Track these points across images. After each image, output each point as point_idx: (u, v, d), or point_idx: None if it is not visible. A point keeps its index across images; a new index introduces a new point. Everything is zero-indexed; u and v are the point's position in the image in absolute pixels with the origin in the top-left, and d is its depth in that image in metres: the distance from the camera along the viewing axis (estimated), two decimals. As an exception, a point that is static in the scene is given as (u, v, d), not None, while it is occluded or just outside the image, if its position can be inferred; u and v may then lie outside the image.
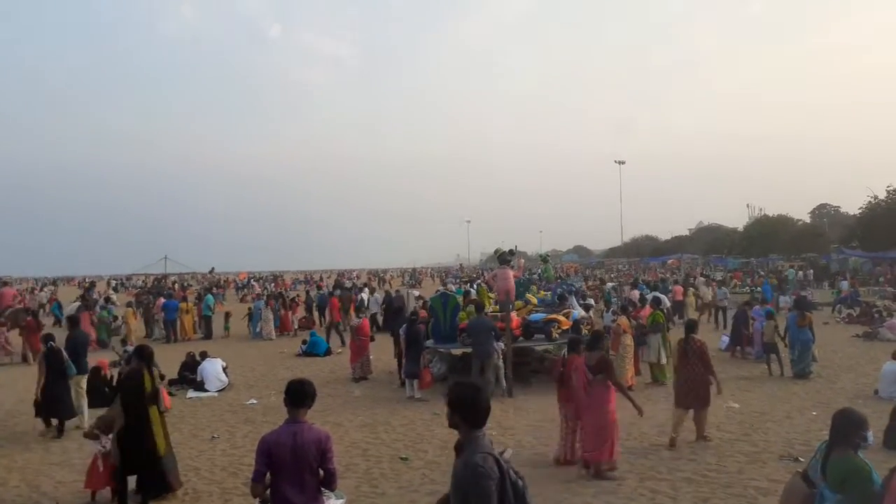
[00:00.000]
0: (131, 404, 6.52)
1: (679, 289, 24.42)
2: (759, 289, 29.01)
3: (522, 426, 9.41)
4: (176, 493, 6.74)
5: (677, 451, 7.93)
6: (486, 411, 3.02)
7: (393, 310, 21.94)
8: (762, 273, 43.46)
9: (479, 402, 3.01)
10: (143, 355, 6.85)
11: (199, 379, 12.82)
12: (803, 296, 19.77)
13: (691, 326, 8.96)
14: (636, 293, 19.51)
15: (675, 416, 8.36)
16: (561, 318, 12.76)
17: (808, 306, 15.59)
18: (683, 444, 8.18)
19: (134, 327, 20.62)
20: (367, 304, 22.94)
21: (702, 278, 33.29)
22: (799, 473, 4.12)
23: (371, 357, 14.20)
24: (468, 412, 2.98)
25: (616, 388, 7.22)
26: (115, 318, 22.43)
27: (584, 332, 12.59)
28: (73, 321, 11.02)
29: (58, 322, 25.20)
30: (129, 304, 22.00)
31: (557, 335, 12.37)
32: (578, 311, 13.55)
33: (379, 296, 24.89)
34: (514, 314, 12.51)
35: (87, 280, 69.36)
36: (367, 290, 27.35)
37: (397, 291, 24.39)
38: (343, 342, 18.45)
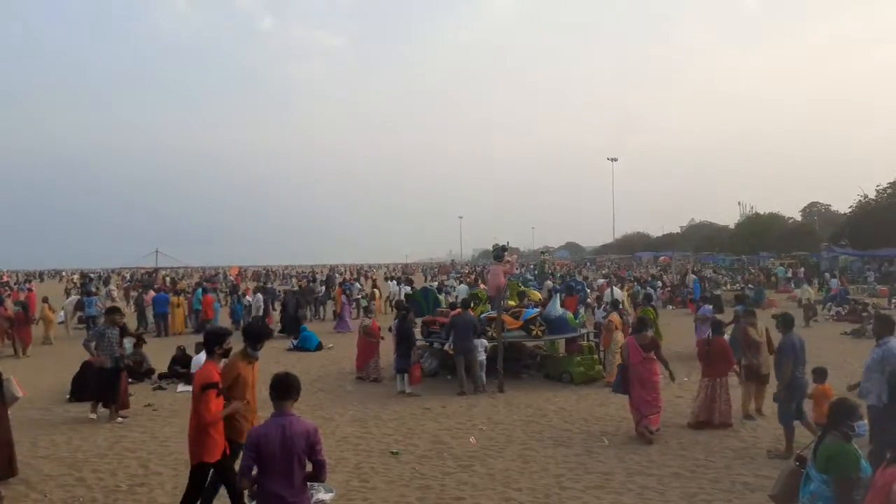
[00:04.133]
0: None
1: (604, 283, 25.97)
2: (749, 286, 29.14)
3: (513, 421, 9.44)
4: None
5: (665, 445, 7.99)
6: None
7: (288, 315, 20.00)
8: (753, 270, 43.68)
9: None
10: None
11: (192, 372, 12.74)
12: (717, 295, 20.19)
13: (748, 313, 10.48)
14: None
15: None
16: (506, 317, 12.45)
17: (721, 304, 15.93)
18: (672, 438, 8.24)
19: (54, 321, 19.84)
20: (252, 305, 21.14)
21: (693, 276, 33.50)
22: (796, 455, 4.29)
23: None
24: None
25: (660, 362, 8.60)
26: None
27: (535, 333, 12.47)
28: None
29: None
30: (45, 300, 20.37)
31: (494, 335, 12.11)
32: (552, 309, 13.20)
33: (262, 296, 21.90)
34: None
35: (70, 274, 68.87)
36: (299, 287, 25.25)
37: (292, 291, 22.00)
38: None
